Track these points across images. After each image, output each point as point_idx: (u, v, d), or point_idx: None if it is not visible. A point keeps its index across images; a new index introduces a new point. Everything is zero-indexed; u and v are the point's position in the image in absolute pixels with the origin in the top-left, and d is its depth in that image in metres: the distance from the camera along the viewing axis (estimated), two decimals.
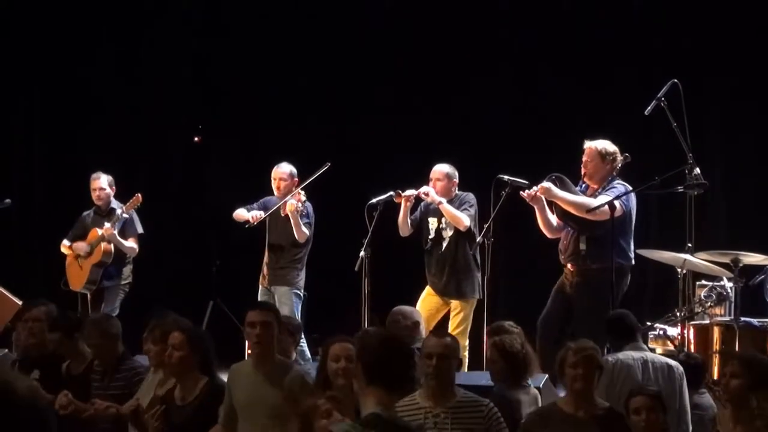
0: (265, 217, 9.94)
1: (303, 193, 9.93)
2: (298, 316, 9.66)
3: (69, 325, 7.44)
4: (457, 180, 9.65)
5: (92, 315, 7.74)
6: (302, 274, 10.02)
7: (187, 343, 6.36)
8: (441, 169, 9.65)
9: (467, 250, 9.52)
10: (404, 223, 9.66)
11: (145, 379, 6.99)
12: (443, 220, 9.60)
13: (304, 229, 9.84)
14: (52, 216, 11.43)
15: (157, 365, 6.73)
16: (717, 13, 10.70)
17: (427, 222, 9.70)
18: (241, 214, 10.09)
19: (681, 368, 6.99)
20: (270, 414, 6.09)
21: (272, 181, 10.09)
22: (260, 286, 10.07)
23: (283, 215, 9.88)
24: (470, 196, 9.60)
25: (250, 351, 6.91)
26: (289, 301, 9.88)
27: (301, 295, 9.98)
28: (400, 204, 9.58)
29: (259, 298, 10.00)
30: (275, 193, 10.10)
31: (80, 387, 7.08)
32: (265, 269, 10.05)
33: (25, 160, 12.16)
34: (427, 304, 9.56)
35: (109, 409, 6.72)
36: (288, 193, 9.97)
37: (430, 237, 9.67)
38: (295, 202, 9.76)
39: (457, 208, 9.51)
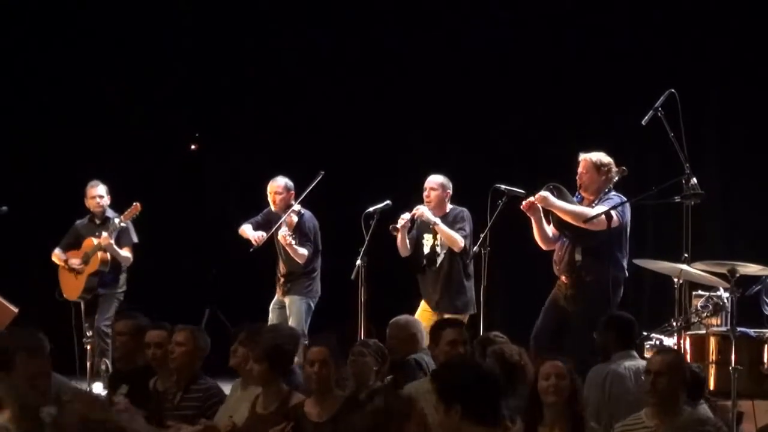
0: (267, 237, 9.97)
1: (299, 208, 9.94)
2: (307, 326, 9.69)
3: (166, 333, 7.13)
4: (450, 191, 9.65)
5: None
6: (315, 283, 10.08)
7: (332, 359, 6.26)
8: (435, 179, 9.65)
9: (461, 266, 9.53)
10: (403, 245, 9.65)
11: (231, 394, 6.79)
12: (438, 237, 9.59)
13: (302, 251, 9.88)
14: (48, 224, 11.40)
15: (256, 382, 6.53)
16: (716, 23, 10.71)
17: (422, 238, 9.70)
18: (246, 232, 10.11)
19: None
20: None
21: (268, 195, 10.11)
22: (276, 296, 10.10)
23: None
24: (465, 213, 9.59)
25: None
26: (298, 311, 9.93)
27: (312, 305, 9.99)
28: (398, 223, 9.55)
29: (271, 308, 10.04)
30: (272, 207, 10.11)
31: (162, 405, 6.86)
32: (280, 280, 10.08)
33: (21, 168, 12.14)
34: (422, 320, 9.52)
35: None
36: (285, 207, 10.00)
37: (424, 254, 9.67)
38: (285, 231, 9.78)
39: (451, 224, 9.50)
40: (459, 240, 9.46)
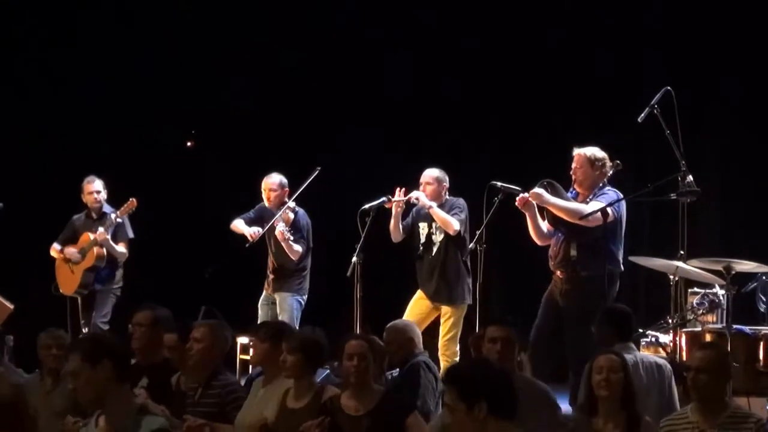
0: (263, 233, 9.97)
1: (293, 205, 9.95)
2: (297, 324, 9.67)
3: (185, 329, 7.02)
4: (447, 184, 9.66)
5: (206, 320, 7.46)
6: (306, 281, 10.07)
7: (370, 352, 6.18)
8: (431, 173, 9.66)
9: (457, 256, 9.53)
10: (396, 228, 9.66)
11: (253, 393, 6.67)
12: (434, 225, 9.60)
13: (297, 248, 9.87)
14: (44, 219, 11.41)
15: (288, 374, 6.40)
16: (713, 20, 10.72)
17: (418, 227, 9.71)
18: (239, 227, 10.11)
19: (669, 366, 7.06)
20: None
21: (262, 191, 10.11)
22: (264, 292, 10.08)
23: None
24: (461, 201, 9.61)
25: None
26: (289, 308, 9.91)
27: (302, 302, 9.99)
28: (391, 209, 9.59)
29: (260, 305, 10.03)
30: (266, 203, 10.12)
31: (184, 402, 6.76)
32: (269, 276, 10.07)
33: (16, 164, 12.14)
34: (417, 308, 9.57)
35: (204, 428, 6.39)
36: (279, 204, 10.00)
37: (420, 242, 9.68)
38: (283, 227, 9.78)
39: (447, 212, 9.52)
40: (453, 223, 9.46)
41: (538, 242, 8.86)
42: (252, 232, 10.00)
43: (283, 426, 6.19)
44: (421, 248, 9.68)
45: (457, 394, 4.50)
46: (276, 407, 6.35)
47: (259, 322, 9.67)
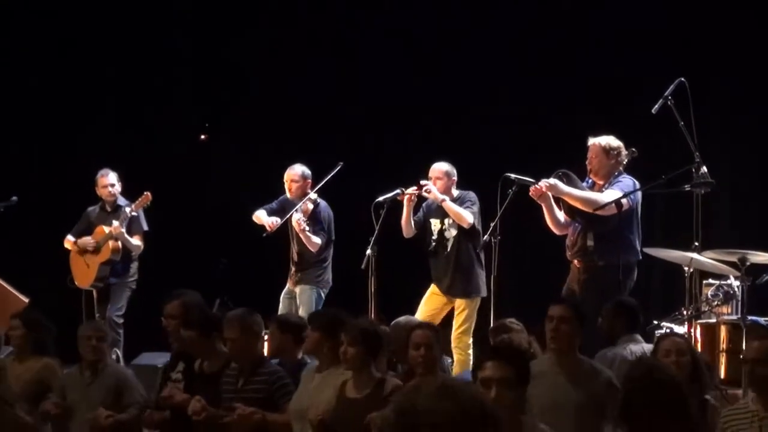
0: (282, 223, 9.97)
1: (315, 197, 9.95)
2: None
3: (206, 323, 7.04)
4: (456, 178, 9.66)
5: (234, 310, 7.41)
6: (327, 272, 10.07)
7: (437, 342, 6.14)
8: (440, 167, 9.65)
9: (470, 250, 9.53)
10: (407, 224, 9.65)
11: (308, 382, 6.54)
12: (446, 221, 9.60)
13: (316, 240, 9.86)
14: (57, 213, 11.44)
15: (349, 366, 6.26)
16: (725, 12, 10.68)
17: (430, 223, 9.70)
18: (260, 217, 10.10)
19: None
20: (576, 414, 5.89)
21: (285, 182, 10.11)
22: (287, 285, 10.09)
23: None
24: (472, 195, 9.61)
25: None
26: (307, 300, 9.90)
27: (323, 294, 9.99)
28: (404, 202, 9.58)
29: (281, 298, 10.07)
30: (287, 194, 10.11)
31: (212, 387, 6.77)
32: (291, 269, 10.08)
33: (29, 157, 12.17)
34: (431, 302, 9.57)
35: (254, 416, 6.39)
36: (301, 195, 9.99)
37: (433, 238, 9.68)
38: (300, 217, 9.77)
39: (460, 206, 9.52)
40: (467, 216, 9.46)
41: (556, 232, 8.86)
42: (271, 222, 10.00)
43: (342, 416, 6.08)
44: (434, 244, 9.68)
45: (516, 373, 4.75)
46: (333, 398, 6.23)
47: (279, 314, 9.67)
